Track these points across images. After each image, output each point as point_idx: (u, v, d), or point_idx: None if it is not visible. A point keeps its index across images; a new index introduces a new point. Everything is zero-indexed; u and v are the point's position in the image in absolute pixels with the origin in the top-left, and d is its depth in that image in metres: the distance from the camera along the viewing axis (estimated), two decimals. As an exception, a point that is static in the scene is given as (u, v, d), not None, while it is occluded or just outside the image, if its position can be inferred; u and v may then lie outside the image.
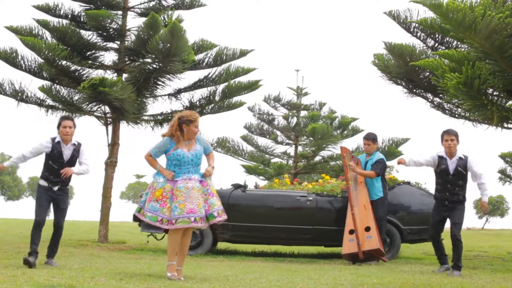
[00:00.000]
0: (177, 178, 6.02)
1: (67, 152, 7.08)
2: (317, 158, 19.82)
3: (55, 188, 7.10)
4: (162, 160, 6.25)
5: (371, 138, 9.35)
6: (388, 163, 18.36)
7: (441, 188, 7.50)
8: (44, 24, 12.01)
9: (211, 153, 6.36)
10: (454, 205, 7.44)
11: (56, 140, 7.08)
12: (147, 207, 6.02)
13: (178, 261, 6.10)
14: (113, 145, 12.52)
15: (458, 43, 10.53)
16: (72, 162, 7.12)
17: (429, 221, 8.20)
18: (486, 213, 8.48)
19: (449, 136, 7.44)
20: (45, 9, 12.42)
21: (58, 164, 7.05)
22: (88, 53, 12.48)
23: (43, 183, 7.13)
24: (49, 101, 12.52)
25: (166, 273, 6.04)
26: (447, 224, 7.66)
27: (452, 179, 7.43)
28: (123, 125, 12.71)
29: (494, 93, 9.44)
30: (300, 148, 20.35)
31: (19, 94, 12.25)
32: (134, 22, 19.73)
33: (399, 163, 7.81)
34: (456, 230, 7.37)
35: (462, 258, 7.40)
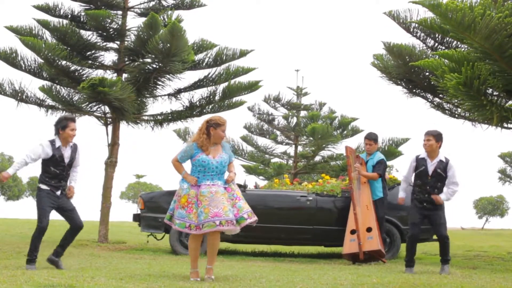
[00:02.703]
0: (201, 183, 6.01)
1: (67, 155, 6.89)
2: (317, 158, 19.83)
3: (58, 193, 6.86)
4: (187, 166, 6.28)
5: (373, 138, 9.37)
6: (389, 163, 18.41)
7: (419, 190, 7.44)
8: (44, 24, 12.01)
9: (232, 162, 6.33)
10: (434, 206, 7.40)
11: (57, 145, 6.83)
12: (175, 214, 6.04)
13: (208, 260, 6.09)
14: (113, 145, 12.52)
15: (458, 43, 10.53)
16: (71, 163, 6.97)
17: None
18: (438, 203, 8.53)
19: (426, 136, 7.46)
20: (45, 9, 12.42)
21: (60, 168, 6.84)
22: (88, 53, 12.47)
23: (44, 187, 6.83)
24: (49, 101, 12.52)
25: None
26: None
27: (430, 181, 7.39)
28: (123, 125, 12.71)
29: (494, 93, 9.44)
30: (300, 148, 20.37)
31: (19, 94, 12.25)
32: (134, 22, 19.76)
33: (400, 203, 7.98)
34: (443, 231, 7.38)
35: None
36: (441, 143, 7.49)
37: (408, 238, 7.59)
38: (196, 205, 5.93)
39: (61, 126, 6.82)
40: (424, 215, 7.45)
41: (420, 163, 7.50)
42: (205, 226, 5.82)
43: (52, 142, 6.84)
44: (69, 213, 6.91)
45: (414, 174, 7.59)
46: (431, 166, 7.41)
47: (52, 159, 6.80)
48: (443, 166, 7.40)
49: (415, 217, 7.47)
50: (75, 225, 6.91)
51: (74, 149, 7.01)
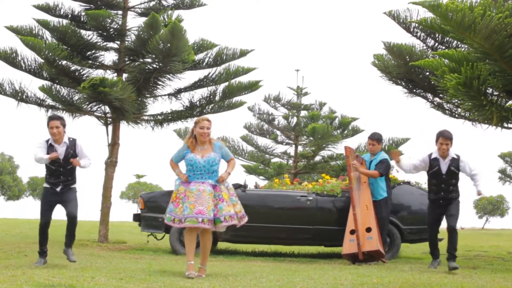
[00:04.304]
0: (191, 181, 6.32)
1: (60, 151, 7.00)
2: (317, 158, 19.85)
3: (58, 189, 7.04)
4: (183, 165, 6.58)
5: (375, 138, 9.29)
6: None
7: (436, 188, 7.74)
8: (44, 24, 12.01)
9: (231, 160, 6.59)
10: (450, 201, 7.70)
11: (49, 142, 7.02)
12: (167, 209, 6.43)
13: (201, 260, 6.39)
14: (113, 145, 12.52)
15: (458, 43, 10.53)
16: (68, 159, 7.02)
17: None
18: (482, 198, 8.30)
19: (444, 140, 7.59)
20: (45, 9, 12.41)
21: (56, 165, 7.00)
22: (88, 53, 12.47)
23: (45, 185, 7.13)
24: (49, 101, 12.52)
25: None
26: (444, 224, 7.85)
27: (445, 179, 7.68)
28: (123, 125, 12.71)
29: (494, 93, 9.44)
30: (300, 148, 20.38)
31: (19, 94, 12.25)
32: (134, 22, 19.74)
33: (395, 155, 8.13)
34: (452, 222, 7.62)
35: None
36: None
37: (429, 240, 8.02)
38: (183, 201, 6.24)
39: (46, 125, 7.04)
40: (441, 216, 7.79)
41: (433, 163, 7.71)
42: (187, 220, 6.12)
43: (47, 141, 7.06)
44: (66, 203, 7.08)
45: (427, 174, 7.81)
46: (444, 165, 7.66)
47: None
48: (456, 163, 7.65)
49: (432, 219, 7.84)
50: (67, 214, 7.07)
51: (71, 145, 7.09)
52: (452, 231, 7.61)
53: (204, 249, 6.37)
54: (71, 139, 7.11)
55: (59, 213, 7.29)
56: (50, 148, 6.99)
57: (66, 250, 7.10)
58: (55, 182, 7.04)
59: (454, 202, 7.69)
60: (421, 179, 12.02)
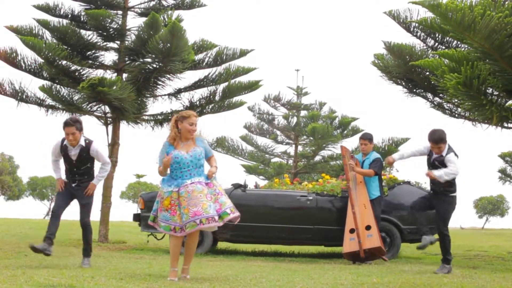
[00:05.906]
0: (181, 185, 5.91)
1: (74, 153, 7.13)
2: (317, 158, 19.88)
3: (74, 185, 7.25)
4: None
5: (368, 138, 9.41)
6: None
7: (431, 181, 7.58)
8: (44, 24, 12.01)
9: (212, 156, 6.25)
10: (438, 195, 7.44)
11: (64, 143, 7.16)
12: (159, 216, 5.98)
13: (185, 260, 6.08)
14: (113, 145, 12.52)
15: (458, 42, 10.54)
16: (82, 160, 7.16)
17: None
18: (430, 176, 8.15)
19: (435, 145, 7.28)
20: (45, 8, 12.42)
21: (69, 163, 7.20)
22: (88, 53, 12.47)
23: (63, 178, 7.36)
24: (49, 101, 12.51)
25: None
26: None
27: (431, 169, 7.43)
28: (123, 125, 12.71)
29: (494, 93, 9.44)
30: (300, 148, 20.41)
31: (19, 94, 12.24)
32: (134, 22, 19.77)
33: (388, 163, 7.88)
34: (439, 226, 7.38)
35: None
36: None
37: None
38: (179, 207, 5.86)
39: (63, 129, 7.11)
40: (432, 204, 7.54)
41: (429, 153, 7.46)
42: (187, 226, 5.78)
43: (62, 141, 7.19)
44: (80, 208, 7.30)
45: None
46: (432, 158, 7.42)
47: (63, 156, 7.20)
48: (441, 159, 7.34)
49: (425, 195, 7.78)
50: (80, 221, 7.29)
51: (85, 148, 7.15)
52: (440, 235, 7.38)
53: (189, 250, 6.07)
54: (87, 141, 7.15)
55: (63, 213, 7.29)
56: (64, 149, 7.15)
57: (82, 259, 7.30)
58: (70, 179, 7.28)
59: (443, 199, 7.40)
60: (421, 179, 12.03)
